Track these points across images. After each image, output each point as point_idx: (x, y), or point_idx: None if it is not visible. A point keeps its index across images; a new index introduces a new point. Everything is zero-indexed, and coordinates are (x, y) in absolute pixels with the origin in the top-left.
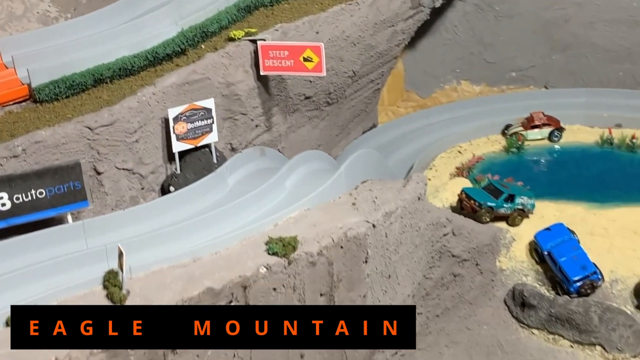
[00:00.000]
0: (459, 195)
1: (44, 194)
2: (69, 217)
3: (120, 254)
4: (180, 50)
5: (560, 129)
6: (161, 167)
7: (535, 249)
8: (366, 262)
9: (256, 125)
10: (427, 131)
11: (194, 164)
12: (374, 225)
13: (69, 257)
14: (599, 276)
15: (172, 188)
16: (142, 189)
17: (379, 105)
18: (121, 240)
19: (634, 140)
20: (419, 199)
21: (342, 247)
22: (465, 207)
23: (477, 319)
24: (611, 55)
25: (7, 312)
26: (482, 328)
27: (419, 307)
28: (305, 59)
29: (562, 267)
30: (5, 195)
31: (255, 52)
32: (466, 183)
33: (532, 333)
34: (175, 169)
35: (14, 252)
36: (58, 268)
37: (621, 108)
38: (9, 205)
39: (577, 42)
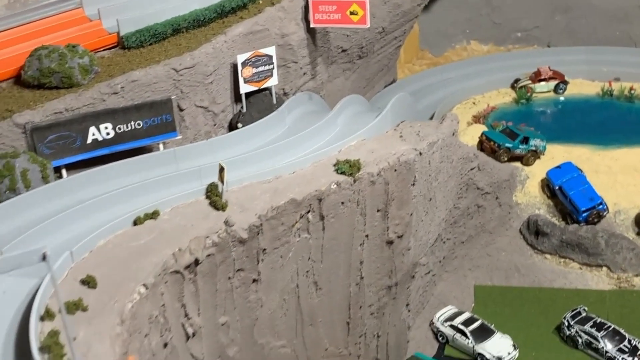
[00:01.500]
0: (479, 138)
1: (141, 125)
2: (161, 146)
3: (221, 169)
4: (242, 4)
5: (565, 82)
6: (229, 107)
7: (547, 185)
8: (414, 184)
9: (304, 73)
10: (443, 85)
11: (258, 104)
12: (420, 153)
13: (175, 174)
14: (605, 207)
15: (240, 125)
16: (215, 125)
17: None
18: (206, 164)
19: (632, 92)
20: (453, 134)
21: (395, 170)
22: (486, 148)
23: (496, 247)
24: (609, 16)
25: (135, 214)
26: (500, 254)
27: (448, 234)
28: (351, 13)
29: (572, 199)
30: (109, 125)
31: (306, 6)
32: (483, 129)
33: (545, 258)
34: (242, 108)
35: (123, 173)
36: (167, 183)
37: (619, 64)
38: (112, 134)
39: (577, 4)
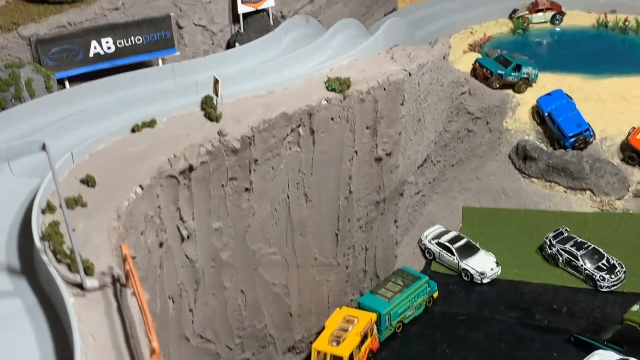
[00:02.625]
0: (472, 65)
1: (141, 40)
2: (160, 62)
3: (216, 82)
4: None
5: (562, 13)
6: (227, 27)
7: (537, 112)
8: (402, 104)
9: None
10: (442, 15)
11: (255, 25)
12: (409, 74)
13: (172, 88)
14: (591, 133)
15: (237, 44)
16: (213, 44)
17: None
18: (202, 79)
19: (627, 23)
20: (444, 57)
21: (384, 89)
22: (478, 75)
23: (485, 171)
24: None
25: (133, 120)
26: (489, 178)
27: (438, 157)
28: None
29: (559, 125)
30: (110, 40)
31: None
32: (478, 57)
33: (532, 181)
34: (240, 29)
35: (123, 86)
36: (165, 96)
37: None
38: (113, 48)
39: None
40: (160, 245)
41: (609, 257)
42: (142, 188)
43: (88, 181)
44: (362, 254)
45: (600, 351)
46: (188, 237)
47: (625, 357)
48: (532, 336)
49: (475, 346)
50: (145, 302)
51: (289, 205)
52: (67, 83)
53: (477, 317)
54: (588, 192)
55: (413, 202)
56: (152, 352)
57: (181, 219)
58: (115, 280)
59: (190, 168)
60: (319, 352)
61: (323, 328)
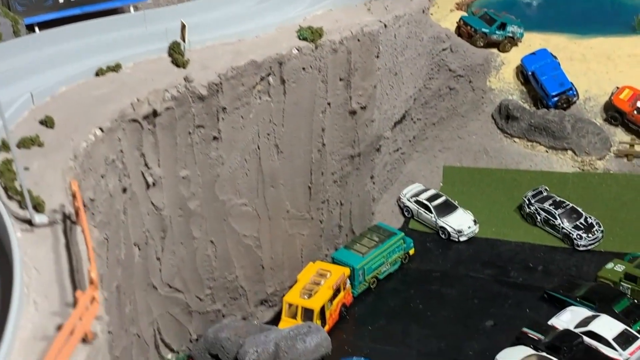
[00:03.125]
0: (457, 23)
1: None
2: (131, 9)
3: (183, 27)
4: None
5: None
6: None
7: (521, 71)
8: (377, 56)
9: None
10: None
11: None
12: (385, 25)
13: (142, 35)
14: (574, 92)
15: None
16: None
17: None
18: (173, 26)
19: None
20: (423, 11)
21: (359, 40)
22: (463, 33)
23: (467, 130)
24: None
25: (99, 66)
26: (471, 137)
27: (418, 114)
28: None
29: (542, 84)
30: None
31: None
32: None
33: (514, 141)
34: None
35: (92, 32)
36: (133, 41)
37: None
38: None
39: None
40: (124, 190)
41: (587, 216)
42: (102, 130)
43: (47, 122)
44: (336, 209)
45: (572, 307)
46: (154, 184)
47: (596, 314)
48: (506, 293)
49: (448, 302)
50: (89, 236)
51: (260, 156)
52: (36, 29)
53: (452, 274)
54: (569, 152)
55: (392, 160)
56: (91, 282)
57: (146, 165)
58: (66, 217)
59: (155, 113)
60: (290, 305)
61: (296, 282)
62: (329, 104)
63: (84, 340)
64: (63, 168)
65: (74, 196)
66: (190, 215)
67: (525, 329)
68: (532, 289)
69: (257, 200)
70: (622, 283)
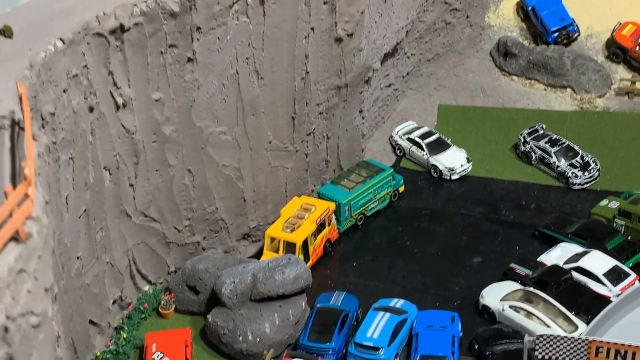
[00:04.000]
0: None
1: None
2: None
3: None
4: None
5: None
6: None
7: (521, 7)
8: None
9: None
10: None
11: None
12: None
13: None
14: (575, 28)
15: None
16: None
17: None
18: None
19: None
20: None
21: None
22: None
23: (464, 68)
24: None
25: None
26: (468, 75)
27: (412, 49)
28: None
29: (542, 19)
30: None
31: None
32: None
33: (512, 79)
34: None
35: None
36: None
37: None
38: None
39: None
40: (91, 110)
41: (584, 154)
42: (63, 42)
43: (5, 31)
44: (323, 142)
45: (563, 244)
46: (124, 105)
47: (587, 250)
48: (497, 230)
49: (436, 239)
50: (31, 135)
51: (239, 81)
52: None
53: (442, 212)
54: (568, 90)
55: (384, 96)
56: (24, 178)
57: (115, 84)
58: (14, 123)
59: (122, 28)
60: (272, 239)
61: (279, 216)
62: (312, 29)
63: (16, 239)
64: (17, 76)
65: (20, 98)
66: (165, 141)
67: (512, 265)
68: (523, 226)
69: (237, 129)
70: (616, 220)
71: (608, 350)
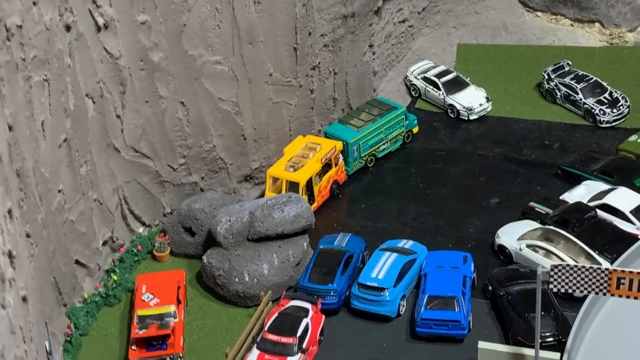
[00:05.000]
0: None
1: None
2: None
3: None
4: None
5: None
6: None
7: None
8: None
9: None
10: None
11: None
12: None
13: None
14: None
15: None
16: None
17: None
18: None
19: None
20: None
21: None
22: None
23: (485, 4)
24: None
25: None
26: (489, 12)
27: None
28: None
29: None
30: None
31: None
32: None
33: (536, 15)
34: None
35: None
36: None
37: None
38: None
39: None
40: (68, 28)
41: (613, 91)
42: None
43: None
44: (330, 78)
45: (588, 182)
46: (105, 26)
47: (614, 187)
48: (516, 170)
49: (451, 180)
50: None
51: (233, 5)
52: None
53: (459, 153)
54: (597, 25)
55: (397, 33)
56: None
57: (94, 2)
58: None
59: None
60: (274, 179)
61: (283, 155)
62: None
63: None
64: None
65: None
66: (154, 70)
67: (532, 203)
68: (545, 166)
69: (234, 59)
70: None
71: (631, 281)
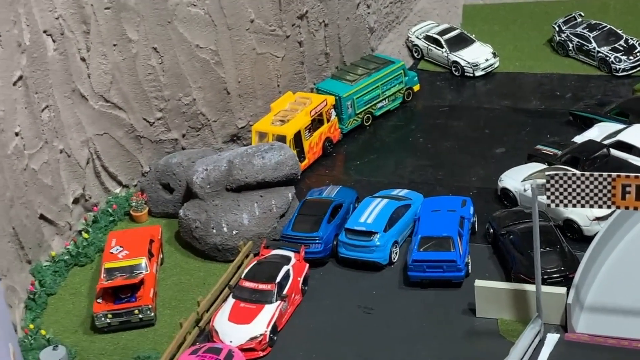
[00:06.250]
0: None
1: None
2: None
3: None
4: None
5: None
6: None
7: None
8: None
9: None
10: None
11: None
12: None
13: None
14: None
15: None
16: None
17: None
18: None
19: None
20: None
21: None
22: None
23: None
24: None
25: None
26: None
27: None
28: None
29: None
30: None
31: None
32: None
33: None
34: None
35: None
36: None
37: None
38: None
39: None
40: None
41: (628, 38)
42: None
43: None
44: (320, 30)
45: (602, 123)
46: None
47: (628, 125)
48: (525, 121)
49: (454, 133)
50: None
51: None
52: None
53: (462, 107)
54: None
55: None
56: None
57: None
58: None
59: None
60: (261, 135)
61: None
62: None
63: None
64: None
65: None
66: (121, 9)
67: (539, 146)
68: (557, 115)
69: (209, 2)
70: None
71: (638, 188)
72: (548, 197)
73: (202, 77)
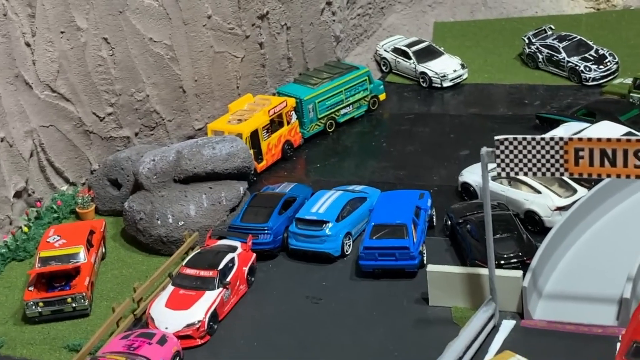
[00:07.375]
0: None
1: None
2: None
3: None
4: None
5: None
6: None
7: None
8: None
9: None
10: None
11: None
12: None
13: None
14: None
15: None
16: None
17: None
18: None
19: None
20: None
21: None
22: None
23: None
24: None
25: None
26: None
27: None
28: None
29: None
30: None
31: None
32: None
33: None
34: None
35: None
36: None
37: None
38: None
39: None
40: None
41: (599, 48)
42: None
43: None
44: (282, 33)
45: (568, 123)
46: None
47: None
48: (491, 126)
49: (418, 138)
50: None
51: None
52: None
53: (428, 115)
54: None
55: (364, 1)
56: None
57: None
58: None
59: None
60: (216, 133)
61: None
62: None
63: None
64: None
65: None
66: None
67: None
68: (523, 120)
69: None
70: (632, 93)
71: (591, 152)
72: (498, 165)
73: (156, 72)
